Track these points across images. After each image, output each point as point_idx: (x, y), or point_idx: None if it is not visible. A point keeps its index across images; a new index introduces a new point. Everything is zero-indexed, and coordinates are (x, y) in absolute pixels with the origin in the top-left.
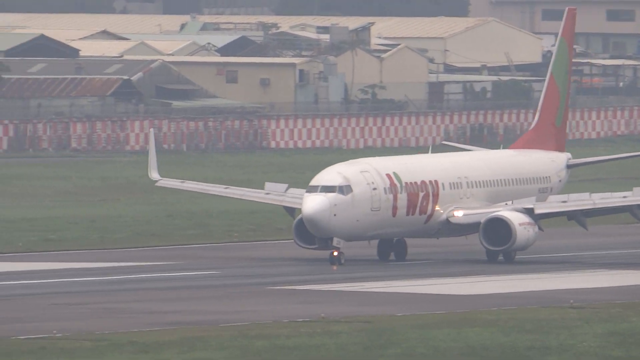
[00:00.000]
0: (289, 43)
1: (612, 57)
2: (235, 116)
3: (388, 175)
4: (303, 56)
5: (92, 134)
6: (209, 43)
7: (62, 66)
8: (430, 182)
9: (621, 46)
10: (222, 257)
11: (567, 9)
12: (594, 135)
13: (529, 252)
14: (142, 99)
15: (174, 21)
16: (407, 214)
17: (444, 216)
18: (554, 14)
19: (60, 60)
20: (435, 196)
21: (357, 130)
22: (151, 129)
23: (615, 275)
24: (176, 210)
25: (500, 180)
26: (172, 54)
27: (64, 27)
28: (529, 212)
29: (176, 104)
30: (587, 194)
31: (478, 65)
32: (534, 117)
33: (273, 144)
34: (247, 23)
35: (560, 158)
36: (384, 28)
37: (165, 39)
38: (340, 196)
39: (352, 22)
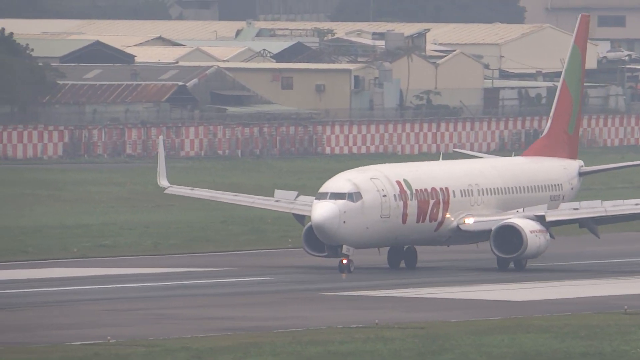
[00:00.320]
0: (345, 49)
1: None
2: (290, 122)
3: (398, 182)
4: (358, 62)
5: (147, 140)
6: (264, 49)
7: (117, 72)
8: (440, 189)
9: None
10: (276, 263)
11: (580, 15)
12: None
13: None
14: (197, 105)
15: (229, 27)
16: (418, 222)
17: (454, 223)
18: (610, 20)
19: (116, 67)
20: (446, 203)
21: (412, 136)
22: (160, 137)
23: None
24: (230, 216)
25: (512, 187)
26: (227, 60)
27: (119, 34)
28: (540, 219)
29: (231, 110)
30: (599, 201)
31: (533, 71)
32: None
33: (328, 150)
34: (303, 29)
35: (573, 165)
36: (439, 34)
37: (220, 45)
38: (350, 203)
39: (408, 29)
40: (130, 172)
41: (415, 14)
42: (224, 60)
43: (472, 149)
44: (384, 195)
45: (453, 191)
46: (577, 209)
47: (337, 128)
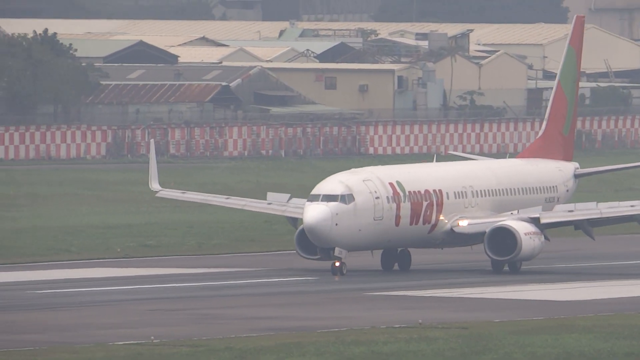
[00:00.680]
0: (388, 49)
1: None
2: (333, 122)
3: (391, 184)
4: (402, 62)
5: (191, 140)
6: (307, 49)
7: (160, 72)
8: (434, 191)
9: None
10: (320, 263)
11: (575, 16)
12: None
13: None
14: (241, 105)
15: (273, 28)
16: (411, 224)
17: (448, 226)
18: None
19: (159, 67)
20: (440, 205)
21: (455, 137)
22: (151, 140)
23: None
24: (274, 216)
25: (506, 189)
26: (270, 60)
27: (163, 34)
28: (534, 221)
29: (274, 110)
30: (594, 203)
31: None
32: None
33: (371, 150)
34: (346, 29)
35: (568, 167)
36: (482, 35)
37: (264, 46)
38: (342, 205)
39: (451, 29)
40: (174, 172)
41: (458, 15)
42: (267, 61)
43: (515, 150)
44: (377, 197)
45: (447, 193)
46: (572, 210)
47: (380, 128)
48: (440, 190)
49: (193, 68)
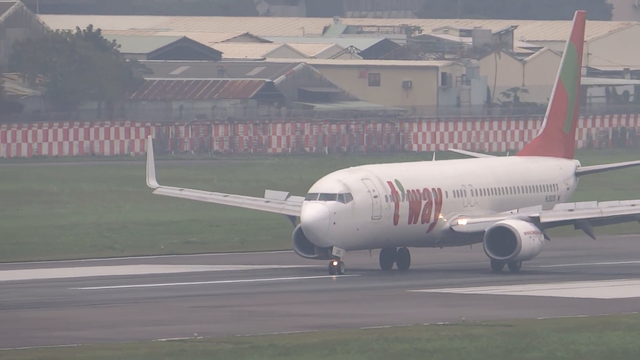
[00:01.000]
0: (432, 46)
1: None
2: (377, 119)
3: (389, 183)
4: (446, 59)
5: (234, 136)
6: (351, 46)
7: (204, 69)
8: (433, 189)
9: None
10: (363, 260)
11: (576, 12)
12: None
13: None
14: (284, 102)
15: (316, 24)
16: (409, 223)
17: (447, 225)
18: None
19: (203, 63)
20: (438, 204)
21: (499, 134)
22: (149, 137)
23: None
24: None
25: (506, 188)
26: (314, 57)
27: (206, 30)
28: (534, 220)
29: (318, 106)
30: (595, 202)
31: (621, 68)
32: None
33: (415, 147)
34: (390, 26)
35: (569, 165)
36: (526, 31)
37: (308, 42)
38: (340, 204)
39: (495, 25)
40: (217, 168)
41: (502, 11)
42: (311, 57)
43: None
44: (375, 196)
45: (446, 192)
46: (572, 210)
47: (424, 125)
48: (439, 189)
49: (237, 64)
